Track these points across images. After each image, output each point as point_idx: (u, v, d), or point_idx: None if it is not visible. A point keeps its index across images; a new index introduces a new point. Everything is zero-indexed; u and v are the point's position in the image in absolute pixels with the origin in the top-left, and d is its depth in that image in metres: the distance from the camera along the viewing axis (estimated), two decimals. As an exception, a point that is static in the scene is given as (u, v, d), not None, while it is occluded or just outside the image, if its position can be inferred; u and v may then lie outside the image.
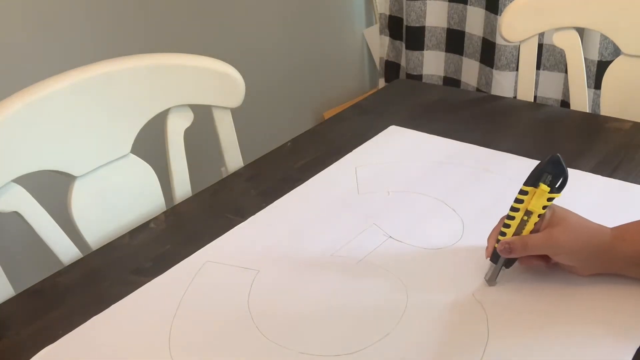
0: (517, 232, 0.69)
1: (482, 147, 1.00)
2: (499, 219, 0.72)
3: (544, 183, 0.68)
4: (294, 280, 0.75)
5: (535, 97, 1.82)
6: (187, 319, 0.70)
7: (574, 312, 0.67)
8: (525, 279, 0.72)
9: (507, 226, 0.70)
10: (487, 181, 0.91)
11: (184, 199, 0.97)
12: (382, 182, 0.93)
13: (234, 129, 1.06)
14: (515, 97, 1.33)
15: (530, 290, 0.70)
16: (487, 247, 0.72)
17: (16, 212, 0.84)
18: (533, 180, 0.69)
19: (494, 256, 0.71)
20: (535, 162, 0.92)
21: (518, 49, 1.86)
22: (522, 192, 0.69)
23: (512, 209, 0.70)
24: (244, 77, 1.02)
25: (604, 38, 1.73)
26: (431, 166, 0.96)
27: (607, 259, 0.68)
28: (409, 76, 2.18)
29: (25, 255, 1.36)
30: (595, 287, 0.69)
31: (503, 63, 1.93)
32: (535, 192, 0.68)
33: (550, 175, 0.68)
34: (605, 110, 1.18)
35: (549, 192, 0.68)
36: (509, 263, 0.71)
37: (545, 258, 0.70)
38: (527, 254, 0.69)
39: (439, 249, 0.78)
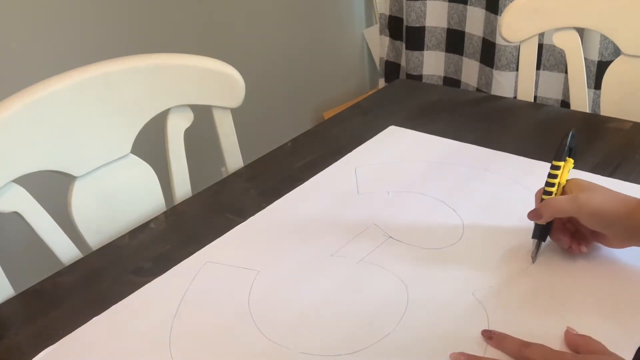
0: None
1: (482, 147, 1.00)
2: (499, 219, 0.72)
3: (569, 156, 0.75)
4: (294, 280, 0.75)
5: (535, 97, 1.82)
6: (188, 319, 0.70)
7: (574, 312, 0.67)
8: (525, 279, 0.72)
9: None
10: (487, 181, 0.91)
11: (184, 199, 0.97)
12: (381, 182, 0.93)
13: (234, 129, 1.06)
14: (515, 97, 1.33)
15: (530, 290, 0.70)
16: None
17: (16, 212, 0.84)
18: (561, 155, 0.74)
19: (535, 232, 0.74)
20: (536, 162, 0.93)
21: (518, 49, 1.86)
22: (555, 167, 0.74)
23: (548, 184, 0.74)
24: (244, 77, 1.02)
25: (604, 38, 1.73)
26: (431, 166, 0.96)
27: (632, 225, 0.68)
28: (409, 76, 2.17)
29: (25, 255, 1.35)
30: (595, 287, 0.70)
31: (503, 63, 1.93)
32: (564, 166, 0.74)
33: (570, 148, 0.75)
34: (605, 110, 1.18)
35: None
36: (543, 236, 0.74)
37: (573, 236, 0.73)
38: (555, 215, 0.72)
39: (439, 249, 0.78)
